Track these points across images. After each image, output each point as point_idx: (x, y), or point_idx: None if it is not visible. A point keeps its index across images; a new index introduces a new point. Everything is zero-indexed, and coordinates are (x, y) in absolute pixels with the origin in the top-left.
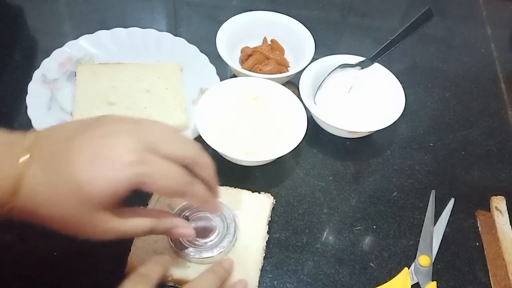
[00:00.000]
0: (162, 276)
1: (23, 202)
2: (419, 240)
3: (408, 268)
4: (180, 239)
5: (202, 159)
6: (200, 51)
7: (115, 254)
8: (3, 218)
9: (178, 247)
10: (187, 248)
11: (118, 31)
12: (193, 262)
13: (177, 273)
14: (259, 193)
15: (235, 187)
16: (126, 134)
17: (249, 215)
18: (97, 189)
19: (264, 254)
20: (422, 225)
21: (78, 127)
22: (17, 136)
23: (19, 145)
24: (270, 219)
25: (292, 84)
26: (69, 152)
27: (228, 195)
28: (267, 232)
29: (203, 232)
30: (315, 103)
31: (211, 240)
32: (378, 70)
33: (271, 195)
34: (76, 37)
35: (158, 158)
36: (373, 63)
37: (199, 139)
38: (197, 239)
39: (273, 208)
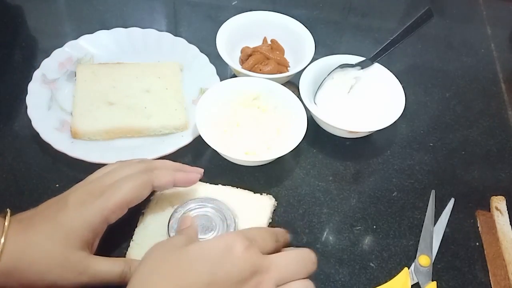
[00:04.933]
0: None
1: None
2: (419, 240)
3: (408, 268)
4: None
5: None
6: (200, 51)
7: (115, 255)
8: None
9: None
10: None
11: (118, 31)
12: None
13: None
14: (261, 194)
15: (237, 187)
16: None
17: (250, 216)
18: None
19: None
20: (422, 225)
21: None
22: None
23: None
24: (271, 220)
25: (292, 84)
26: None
27: (229, 195)
28: None
29: (203, 231)
30: (315, 103)
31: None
32: (378, 70)
33: (272, 195)
34: (76, 37)
35: None
36: (373, 63)
37: (199, 139)
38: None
39: (274, 210)
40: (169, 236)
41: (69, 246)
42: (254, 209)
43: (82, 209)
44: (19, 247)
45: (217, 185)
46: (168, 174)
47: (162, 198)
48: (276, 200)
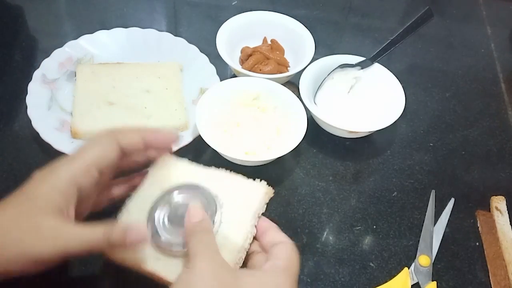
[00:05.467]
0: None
1: None
2: (419, 240)
3: (408, 268)
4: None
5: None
6: (200, 51)
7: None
8: None
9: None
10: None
11: (118, 31)
12: (166, 255)
13: (148, 265)
14: (254, 180)
15: (230, 170)
16: None
17: (238, 204)
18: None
19: (247, 249)
20: (422, 225)
21: None
22: None
23: None
24: (263, 211)
25: (292, 84)
26: None
27: (221, 179)
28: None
29: (181, 223)
30: (315, 103)
31: None
32: (378, 70)
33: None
34: (76, 37)
35: None
36: (373, 63)
37: (199, 139)
38: (176, 229)
39: (271, 199)
40: (149, 224)
41: (38, 213)
42: (244, 196)
43: (47, 176)
44: None
45: (209, 168)
46: (134, 132)
47: (154, 183)
48: (274, 189)
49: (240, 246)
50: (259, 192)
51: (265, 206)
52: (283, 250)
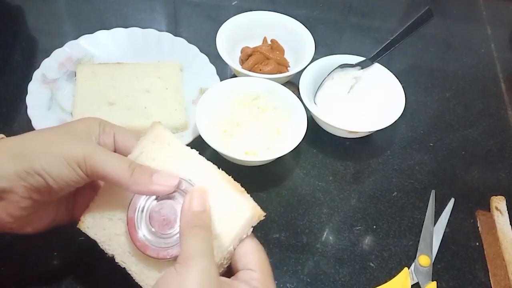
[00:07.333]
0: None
1: None
2: (419, 240)
3: (408, 268)
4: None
5: None
6: (200, 51)
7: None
8: None
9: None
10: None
11: (118, 31)
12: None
13: (119, 257)
14: (246, 197)
15: (229, 173)
16: None
17: (221, 222)
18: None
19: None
20: (422, 225)
21: None
22: None
23: None
24: (248, 235)
25: (292, 84)
26: None
27: (208, 179)
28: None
29: (161, 226)
30: (315, 103)
31: (171, 234)
32: (378, 70)
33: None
34: (76, 37)
35: None
36: (373, 63)
37: (199, 139)
38: (159, 231)
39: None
40: (129, 208)
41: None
42: (229, 214)
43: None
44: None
45: (208, 163)
46: (132, 134)
47: (147, 154)
48: (264, 213)
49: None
50: (245, 214)
51: (251, 229)
52: (255, 258)
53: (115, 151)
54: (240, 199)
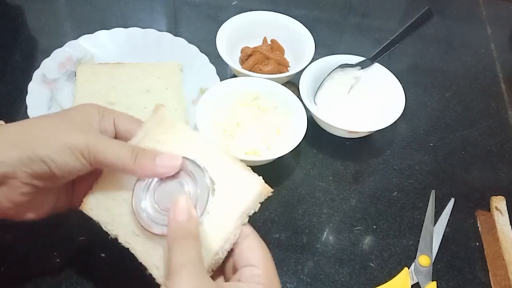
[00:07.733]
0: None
1: None
2: (419, 240)
3: (408, 268)
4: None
5: None
6: (200, 51)
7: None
8: None
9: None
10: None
11: (118, 31)
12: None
13: (123, 238)
14: (253, 173)
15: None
16: None
17: (229, 197)
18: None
19: (225, 252)
20: (422, 225)
21: None
22: None
23: None
24: (256, 210)
25: (292, 84)
26: None
27: (214, 159)
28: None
29: (170, 202)
30: (315, 103)
31: None
32: (378, 70)
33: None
34: (76, 37)
35: None
36: (373, 63)
37: None
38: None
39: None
40: (135, 191)
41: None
42: (237, 189)
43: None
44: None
45: (213, 144)
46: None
47: (147, 141)
48: (272, 189)
49: (219, 247)
50: (254, 189)
51: (259, 205)
52: (259, 257)
53: (115, 136)
54: (249, 174)
